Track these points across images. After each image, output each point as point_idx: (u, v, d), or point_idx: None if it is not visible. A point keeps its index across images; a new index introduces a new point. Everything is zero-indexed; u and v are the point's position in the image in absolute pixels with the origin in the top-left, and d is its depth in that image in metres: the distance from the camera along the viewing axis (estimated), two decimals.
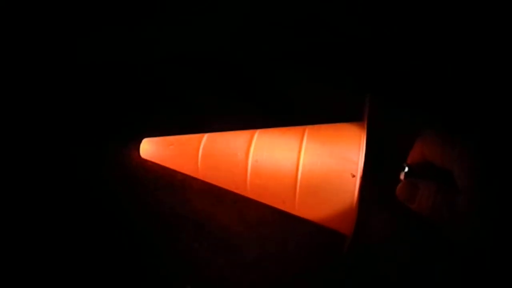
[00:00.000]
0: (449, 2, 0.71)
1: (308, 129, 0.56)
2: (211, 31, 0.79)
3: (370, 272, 0.61)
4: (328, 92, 0.72)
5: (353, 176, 0.50)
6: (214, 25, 0.79)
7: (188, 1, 0.78)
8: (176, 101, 0.74)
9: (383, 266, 0.60)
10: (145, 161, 0.65)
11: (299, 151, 0.53)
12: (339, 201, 0.51)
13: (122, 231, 0.65)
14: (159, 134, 0.65)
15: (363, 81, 0.72)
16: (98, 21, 0.78)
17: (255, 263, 0.61)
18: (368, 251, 0.61)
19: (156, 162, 0.64)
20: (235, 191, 0.60)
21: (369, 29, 0.75)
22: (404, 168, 0.50)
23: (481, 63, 0.68)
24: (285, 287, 0.61)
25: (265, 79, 0.75)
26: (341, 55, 0.75)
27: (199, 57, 0.77)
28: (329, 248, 0.61)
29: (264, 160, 0.55)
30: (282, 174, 0.54)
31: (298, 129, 0.56)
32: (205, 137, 0.60)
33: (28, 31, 0.77)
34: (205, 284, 0.61)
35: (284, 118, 0.62)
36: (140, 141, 0.64)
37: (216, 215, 0.64)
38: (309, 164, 0.53)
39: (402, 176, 0.50)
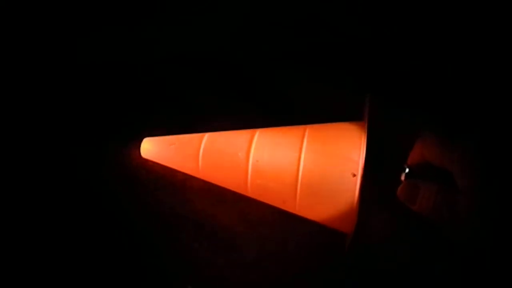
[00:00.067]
0: (449, 2, 0.71)
1: (309, 129, 0.56)
2: (211, 31, 0.79)
3: (370, 272, 0.61)
4: (328, 92, 0.72)
5: (354, 175, 0.50)
6: (214, 25, 0.79)
7: (188, 1, 0.78)
8: (176, 101, 0.74)
9: (383, 266, 0.60)
10: (146, 160, 0.65)
11: (300, 151, 0.53)
12: (339, 201, 0.51)
13: (123, 231, 0.65)
14: (159, 134, 0.65)
15: (363, 81, 0.72)
16: (98, 21, 0.78)
17: (255, 263, 0.62)
18: (368, 251, 0.61)
19: (156, 162, 0.64)
20: (236, 190, 0.60)
21: (369, 29, 0.75)
22: (404, 169, 0.50)
23: (481, 63, 0.68)
24: (285, 287, 0.61)
25: (265, 79, 0.75)
26: (341, 55, 0.75)
27: (199, 57, 0.77)
28: (329, 247, 0.61)
29: (265, 160, 0.55)
30: (283, 173, 0.54)
31: (298, 128, 0.56)
32: (206, 137, 0.60)
33: (28, 31, 0.77)
34: (205, 284, 0.61)
35: (284, 118, 0.62)
36: (141, 141, 0.64)
37: (217, 215, 0.64)
38: (309, 163, 0.53)
39: (402, 177, 0.50)
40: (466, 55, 0.70)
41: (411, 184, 0.49)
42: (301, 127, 0.56)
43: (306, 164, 0.53)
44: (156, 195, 0.66)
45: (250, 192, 0.58)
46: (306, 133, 0.55)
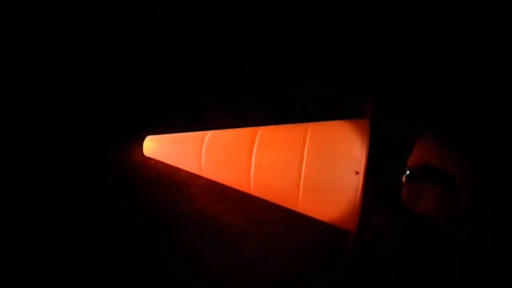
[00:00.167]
0: (449, 2, 0.71)
1: (311, 127, 0.56)
2: (211, 31, 0.79)
3: (371, 271, 0.61)
4: (328, 92, 0.72)
5: (357, 173, 0.50)
6: (214, 25, 0.79)
7: (188, 1, 0.78)
8: (176, 101, 0.74)
9: (384, 264, 0.60)
10: (148, 159, 0.65)
11: (303, 148, 0.53)
12: (342, 199, 0.52)
13: (125, 230, 0.65)
14: (159, 133, 0.65)
15: (363, 81, 0.72)
16: (98, 21, 0.78)
17: (258, 261, 0.61)
18: (369, 250, 0.60)
19: (158, 160, 0.64)
20: (239, 189, 0.60)
21: (369, 29, 0.75)
22: (405, 172, 0.50)
23: (481, 63, 0.69)
24: (288, 285, 0.61)
25: (265, 79, 0.75)
26: (341, 55, 0.75)
27: (199, 57, 0.77)
28: (332, 246, 0.61)
29: (268, 158, 0.55)
30: (286, 171, 0.54)
31: (301, 126, 0.56)
32: (208, 135, 0.60)
33: (28, 31, 0.76)
34: (208, 283, 0.61)
35: (284, 118, 0.62)
36: (143, 139, 0.64)
37: (219, 214, 0.64)
38: (312, 161, 0.53)
39: (404, 179, 0.50)
40: (466, 55, 0.70)
41: (414, 186, 0.49)
42: (304, 125, 0.56)
43: (309, 162, 0.53)
44: (158, 193, 0.66)
45: (253, 190, 0.58)
46: (309, 131, 0.55)
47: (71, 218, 0.65)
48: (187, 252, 0.63)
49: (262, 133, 0.57)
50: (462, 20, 0.71)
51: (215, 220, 0.64)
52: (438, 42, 0.72)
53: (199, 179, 0.63)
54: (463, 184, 0.43)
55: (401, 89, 0.70)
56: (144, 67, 0.77)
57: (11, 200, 0.66)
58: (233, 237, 0.63)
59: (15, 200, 0.66)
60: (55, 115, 0.72)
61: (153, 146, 0.64)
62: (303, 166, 0.53)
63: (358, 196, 0.50)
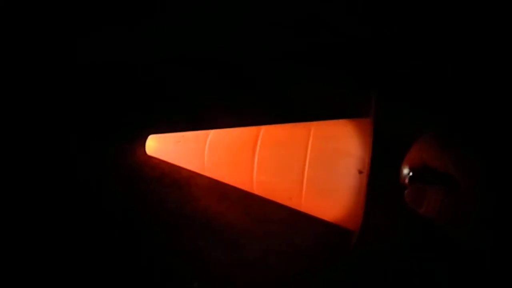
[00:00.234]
0: (449, 2, 0.71)
1: (314, 126, 0.56)
2: (211, 31, 0.79)
3: (374, 271, 0.61)
4: (328, 92, 0.72)
5: (360, 172, 0.50)
6: (214, 25, 0.79)
7: (188, 1, 0.78)
8: (176, 101, 0.74)
9: (386, 264, 0.61)
10: (151, 158, 0.65)
11: (306, 148, 0.53)
12: (345, 198, 0.52)
13: (127, 229, 0.65)
14: (161, 133, 0.65)
15: (363, 81, 0.72)
16: (98, 21, 0.77)
17: (261, 260, 0.62)
18: (371, 250, 0.60)
19: (161, 159, 0.64)
20: (241, 188, 0.60)
21: (369, 29, 0.75)
22: (408, 174, 0.50)
23: (481, 64, 0.69)
24: (290, 285, 0.61)
25: (265, 79, 0.75)
26: (341, 55, 0.75)
27: (199, 57, 0.77)
28: (335, 245, 0.61)
29: (271, 157, 0.55)
30: (289, 170, 0.54)
31: (304, 125, 0.56)
32: (211, 134, 0.60)
33: (28, 31, 0.76)
34: (211, 281, 0.61)
35: (283, 118, 0.62)
36: (145, 138, 0.64)
37: (222, 213, 0.64)
38: (315, 160, 0.53)
39: (406, 181, 0.50)
40: (466, 55, 0.70)
41: (417, 187, 0.49)
42: (307, 124, 0.56)
43: (312, 161, 0.53)
44: (160, 192, 0.66)
45: (256, 190, 0.58)
46: (312, 130, 0.55)
47: (74, 217, 0.65)
48: (189, 251, 0.63)
49: (265, 132, 0.57)
50: (463, 20, 0.71)
51: (217, 219, 0.64)
52: (438, 42, 0.72)
53: (201, 178, 0.63)
54: (463, 184, 0.43)
55: (402, 88, 0.70)
56: (144, 67, 0.77)
57: (14, 200, 0.66)
58: (235, 236, 0.63)
59: (17, 200, 0.66)
60: (56, 116, 0.72)
61: (156, 145, 0.64)
62: (306, 165, 0.53)
63: (362, 195, 0.50)
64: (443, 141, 0.45)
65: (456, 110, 0.66)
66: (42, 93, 0.74)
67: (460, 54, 0.70)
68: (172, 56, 0.77)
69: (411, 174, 0.48)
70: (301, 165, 0.53)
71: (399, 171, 0.50)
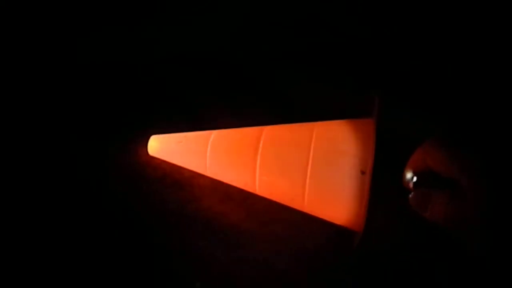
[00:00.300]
0: (449, 2, 0.71)
1: (317, 126, 0.56)
2: (211, 31, 0.79)
3: (376, 271, 0.61)
4: (328, 92, 0.72)
5: (363, 173, 0.50)
6: (214, 25, 0.79)
7: (188, 1, 0.78)
8: (176, 101, 0.74)
9: (387, 266, 0.61)
10: (153, 158, 0.65)
11: (308, 148, 0.53)
12: (348, 199, 0.52)
13: (130, 229, 0.64)
14: (162, 133, 0.65)
15: (363, 81, 0.72)
16: (98, 21, 0.77)
17: (263, 261, 0.61)
18: (376, 249, 0.61)
19: (164, 160, 0.64)
20: (244, 188, 0.60)
21: (369, 29, 0.75)
22: (412, 178, 0.49)
23: (481, 64, 0.69)
24: (293, 285, 0.61)
25: (265, 79, 0.76)
26: (341, 55, 0.75)
27: (199, 57, 0.77)
28: (338, 245, 0.61)
29: (273, 157, 0.55)
30: (291, 171, 0.54)
31: (306, 125, 0.56)
32: (213, 134, 0.60)
33: (28, 31, 0.76)
34: (213, 282, 0.61)
35: (283, 118, 0.62)
36: (148, 139, 0.64)
37: (224, 213, 0.64)
38: (318, 161, 0.53)
39: (410, 185, 0.49)
40: (467, 56, 0.70)
41: (423, 192, 0.48)
42: (309, 124, 0.56)
43: (315, 162, 0.53)
44: (163, 192, 0.66)
45: (258, 190, 0.58)
46: (314, 131, 0.55)
47: (76, 217, 0.65)
48: (191, 251, 0.63)
49: (267, 132, 0.57)
50: (462, 20, 0.71)
51: (219, 219, 0.64)
52: (437, 42, 0.72)
53: (204, 178, 0.63)
54: (469, 188, 0.42)
55: (405, 89, 0.70)
56: (144, 67, 0.77)
57: (16, 200, 0.66)
58: (237, 237, 0.63)
59: (20, 201, 0.66)
60: (56, 116, 0.72)
61: (158, 146, 0.64)
62: (308, 166, 0.53)
63: (365, 196, 0.50)
64: (448, 145, 0.45)
65: (461, 112, 0.65)
66: (43, 93, 0.74)
67: (465, 54, 0.71)
68: (172, 56, 0.77)
69: (415, 178, 0.48)
70: (303, 166, 0.53)
71: (402, 172, 0.50)
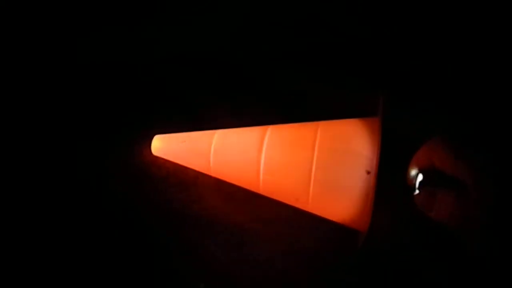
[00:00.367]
0: (449, 2, 0.71)
1: (321, 125, 0.56)
2: (211, 31, 0.79)
3: (380, 271, 0.61)
4: (328, 92, 0.72)
5: (368, 172, 0.50)
6: (214, 25, 0.79)
7: (188, 1, 0.78)
8: (176, 101, 0.74)
9: (391, 265, 0.61)
10: (157, 158, 0.64)
11: (313, 147, 0.53)
12: (353, 198, 0.52)
13: (134, 229, 0.64)
14: (163, 133, 0.65)
15: (363, 81, 0.72)
16: (98, 21, 0.77)
17: (267, 260, 0.61)
18: (378, 250, 0.60)
19: (167, 159, 0.64)
20: (248, 188, 0.60)
21: (369, 29, 0.75)
22: (416, 175, 0.49)
23: (489, 63, 0.69)
24: (297, 284, 0.61)
25: (265, 79, 0.75)
26: (341, 55, 0.75)
27: (199, 57, 0.77)
28: (341, 245, 0.61)
29: (277, 157, 0.55)
30: (296, 171, 0.54)
31: (311, 125, 0.56)
32: (217, 134, 0.60)
33: (28, 31, 0.76)
34: (217, 281, 0.61)
35: (283, 118, 0.62)
36: (151, 139, 0.64)
37: (229, 213, 0.64)
38: (323, 160, 0.53)
39: (414, 182, 0.49)
40: (468, 56, 0.70)
41: (428, 191, 0.48)
42: (314, 123, 0.56)
43: (319, 161, 0.53)
44: (167, 192, 0.66)
45: (262, 190, 0.58)
46: (319, 130, 0.55)
47: (80, 217, 0.65)
48: (195, 250, 0.63)
49: (272, 132, 0.57)
50: (463, 20, 0.71)
51: (223, 219, 0.64)
52: (438, 42, 0.72)
53: (207, 178, 0.63)
54: (474, 190, 0.42)
55: (409, 88, 0.70)
56: (144, 67, 0.77)
57: (21, 201, 0.66)
58: (241, 236, 0.63)
59: (26, 200, 0.66)
60: (58, 117, 0.72)
61: (162, 146, 0.63)
62: (313, 166, 0.53)
63: (369, 196, 0.50)
64: (454, 144, 0.45)
65: (467, 111, 0.65)
66: (43, 93, 0.74)
67: (470, 53, 0.70)
68: (172, 56, 0.77)
69: (420, 176, 0.48)
70: (308, 166, 0.53)
71: (407, 171, 0.49)
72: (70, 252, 0.63)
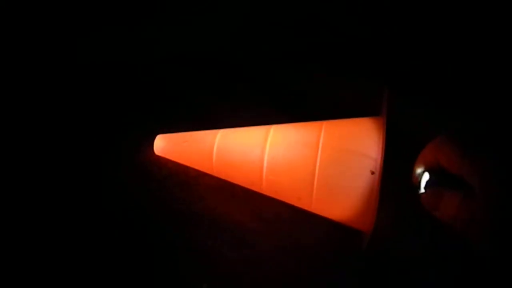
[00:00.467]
0: (449, 2, 0.72)
1: (325, 124, 0.55)
2: (211, 31, 0.79)
3: (384, 271, 0.61)
4: (327, 92, 0.73)
5: (373, 173, 0.50)
6: (214, 25, 0.79)
7: (188, 1, 0.78)
8: (176, 101, 0.74)
9: (395, 266, 0.61)
10: (159, 157, 0.64)
11: (317, 147, 0.53)
12: (357, 199, 0.51)
13: (136, 228, 0.64)
14: (164, 132, 0.65)
15: (363, 81, 0.73)
16: (98, 21, 0.77)
17: (270, 260, 0.61)
18: (382, 251, 0.60)
19: (170, 159, 0.64)
20: (250, 187, 0.59)
21: (369, 29, 0.76)
22: (421, 173, 0.49)
23: (496, 62, 0.69)
24: (299, 284, 0.61)
25: (265, 79, 0.76)
26: (341, 55, 0.75)
27: (199, 57, 0.77)
28: (345, 246, 0.61)
29: (281, 157, 0.55)
30: (299, 170, 0.54)
31: (315, 124, 0.56)
32: (219, 133, 0.60)
33: (28, 31, 0.76)
34: (220, 281, 0.61)
35: (283, 118, 0.62)
36: (154, 138, 0.64)
37: (231, 212, 0.64)
38: (326, 160, 0.52)
39: (419, 181, 0.49)
40: (468, 56, 0.71)
41: (434, 191, 0.48)
42: (317, 123, 0.56)
43: (323, 161, 0.52)
44: (169, 192, 0.66)
45: (265, 189, 0.58)
46: (323, 129, 0.54)
47: (82, 217, 0.65)
48: (198, 250, 0.62)
49: (275, 131, 0.57)
50: (463, 20, 0.72)
51: (225, 219, 0.64)
52: (438, 42, 0.73)
53: (210, 177, 0.63)
54: (481, 188, 0.42)
55: (416, 86, 0.70)
56: (144, 67, 0.77)
57: (23, 201, 0.66)
58: (243, 236, 0.63)
59: (27, 200, 0.66)
60: (59, 118, 0.71)
61: (164, 145, 0.63)
62: (317, 165, 0.52)
63: (374, 196, 0.50)
64: (461, 144, 0.45)
65: (474, 111, 0.65)
66: (43, 94, 0.73)
67: (475, 53, 0.71)
68: (172, 56, 0.77)
69: (425, 175, 0.48)
70: (311, 165, 0.53)
71: (412, 171, 0.49)
72: (70, 252, 0.62)
